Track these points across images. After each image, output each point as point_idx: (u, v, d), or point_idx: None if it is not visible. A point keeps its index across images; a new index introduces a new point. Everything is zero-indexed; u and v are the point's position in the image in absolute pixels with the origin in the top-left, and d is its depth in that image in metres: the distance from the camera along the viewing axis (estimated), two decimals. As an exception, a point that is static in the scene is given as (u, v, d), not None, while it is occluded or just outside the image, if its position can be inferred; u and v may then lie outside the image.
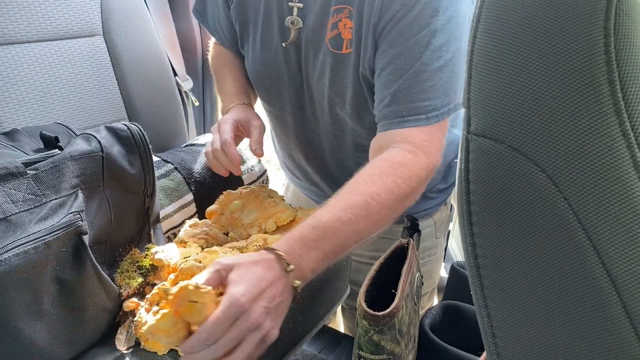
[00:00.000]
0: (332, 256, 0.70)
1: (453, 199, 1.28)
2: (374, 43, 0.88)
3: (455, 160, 1.11)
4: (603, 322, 0.38)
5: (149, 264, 0.85)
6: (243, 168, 1.19)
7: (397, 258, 0.81)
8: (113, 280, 0.81)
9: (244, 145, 1.17)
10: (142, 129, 0.85)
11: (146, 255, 0.86)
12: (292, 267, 0.65)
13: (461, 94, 0.46)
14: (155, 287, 0.81)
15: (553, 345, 0.41)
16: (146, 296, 0.81)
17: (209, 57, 1.17)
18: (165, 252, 0.83)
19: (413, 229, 0.85)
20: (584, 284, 0.38)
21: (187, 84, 1.29)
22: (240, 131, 0.99)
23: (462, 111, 0.44)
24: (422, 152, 0.82)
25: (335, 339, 1.44)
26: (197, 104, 1.31)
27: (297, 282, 0.66)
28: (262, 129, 0.98)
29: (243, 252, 0.88)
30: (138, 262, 0.86)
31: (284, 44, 0.99)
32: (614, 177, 0.36)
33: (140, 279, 0.84)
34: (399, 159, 0.80)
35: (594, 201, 0.37)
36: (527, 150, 0.39)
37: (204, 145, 1.19)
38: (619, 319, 0.37)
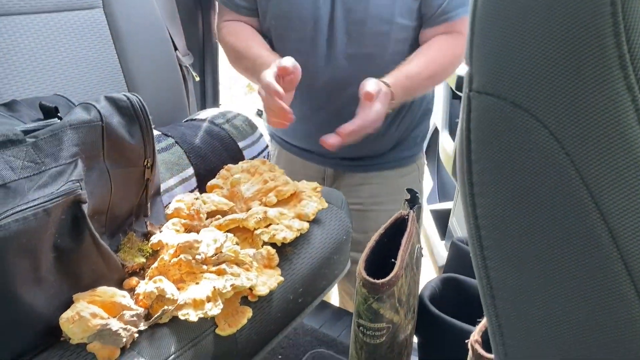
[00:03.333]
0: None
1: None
2: None
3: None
4: (603, 279, 0.38)
5: (150, 249, 0.85)
6: (244, 143, 1.19)
7: (397, 230, 0.81)
8: (116, 252, 0.81)
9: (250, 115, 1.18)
10: (142, 100, 0.85)
11: (143, 241, 0.86)
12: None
13: None
14: (155, 262, 0.81)
15: (553, 304, 0.41)
16: (147, 272, 0.81)
17: (221, 38, 1.16)
18: (163, 234, 0.84)
19: (413, 201, 0.85)
20: (584, 240, 0.37)
21: (188, 59, 1.28)
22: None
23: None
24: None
25: (335, 314, 1.45)
26: (197, 79, 1.30)
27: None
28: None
29: (243, 225, 0.88)
30: (138, 246, 0.86)
31: None
32: (617, 131, 0.36)
33: (143, 259, 0.85)
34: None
35: (596, 156, 0.37)
36: (529, 106, 0.39)
37: (204, 120, 1.19)
38: (620, 275, 0.37)
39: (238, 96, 4.15)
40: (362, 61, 1.14)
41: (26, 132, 0.72)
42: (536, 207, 0.39)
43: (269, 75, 0.97)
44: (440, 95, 1.65)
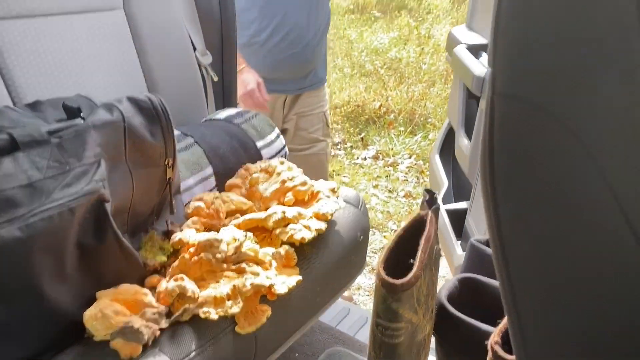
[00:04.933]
0: None
1: None
2: None
3: None
4: (630, 280, 0.38)
5: (171, 248, 0.87)
6: (262, 142, 1.20)
7: (416, 230, 0.81)
8: (137, 250, 0.83)
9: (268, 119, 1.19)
10: (162, 100, 0.86)
11: (164, 240, 0.87)
12: None
13: None
14: (176, 260, 0.82)
15: (577, 305, 0.41)
16: (168, 270, 0.82)
17: None
18: (184, 232, 0.85)
19: (432, 202, 0.85)
20: (609, 244, 0.37)
21: (206, 59, 1.29)
22: None
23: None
24: None
25: (352, 312, 1.45)
26: (216, 79, 1.31)
27: None
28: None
29: (262, 225, 0.89)
30: (159, 244, 0.87)
31: None
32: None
33: (164, 257, 0.86)
34: None
35: (621, 160, 0.37)
36: (552, 109, 0.39)
37: (223, 120, 1.20)
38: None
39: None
40: None
41: (51, 133, 0.74)
42: (560, 210, 0.39)
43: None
44: (456, 95, 1.65)
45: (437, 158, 1.92)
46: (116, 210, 0.80)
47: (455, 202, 1.71)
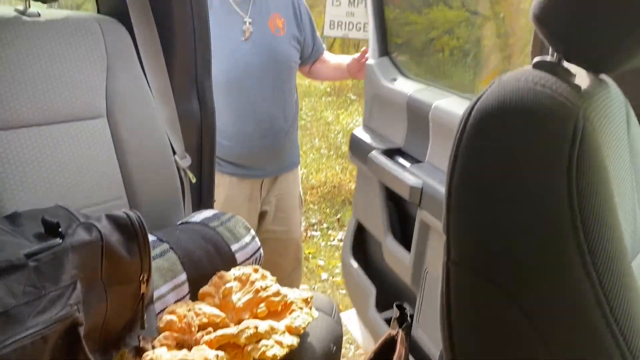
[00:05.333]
0: None
1: None
2: None
3: None
4: None
5: None
6: (237, 246, 1.22)
7: (387, 350, 0.83)
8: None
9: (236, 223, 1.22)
10: (140, 216, 0.88)
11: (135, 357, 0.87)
12: None
13: None
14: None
15: None
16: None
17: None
18: (156, 351, 0.85)
19: (402, 319, 0.88)
20: None
21: (185, 162, 1.33)
22: None
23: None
24: None
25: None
26: (194, 180, 1.35)
27: None
28: None
29: (234, 341, 0.90)
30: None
31: None
32: (582, 314, 0.39)
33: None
34: None
35: (564, 335, 0.40)
36: (503, 283, 0.42)
37: (199, 223, 1.22)
38: None
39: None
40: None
41: (29, 255, 0.75)
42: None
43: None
44: (371, 197, 1.70)
45: (353, 262, 1.85)
46: (89, 329, 0.80)
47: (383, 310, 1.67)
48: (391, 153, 1.58)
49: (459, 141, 0.44)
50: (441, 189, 1.29)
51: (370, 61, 1.80)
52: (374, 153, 1.59)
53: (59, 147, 1.10)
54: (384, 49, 1.80)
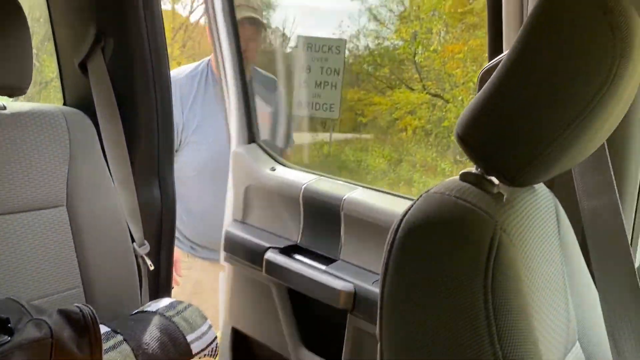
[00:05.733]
0: None
1: None
2: None
3: None
4: None
5: None
6: (193, 336, 1.21)
7: None
8: None
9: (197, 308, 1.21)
10: (94, 311, 0.89)
11: None
12: None
13: None
14: None
15: None
16: None
17: None
18: None
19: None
20: None
21: (144, 249, 1.34)
22: None
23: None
24: None
25: None
26: (152, 268, 1.35)
27: None
28: None
29: None
30: None
31: None
32: None
33: None
34: None
35: None
36: None
37: (154, 312, 1.22)
38: None
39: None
40: None
41: (-26, 354, 0.74)
42: None
43: None
44: None
45: None
46: None
47: None
48: (287, 251, 1.40)
49: (388, 253, 0.48)
50: (374, 290, 1.18)
51: (238, 149, 1.59)
52: (271, 254, 1.39)
53: (16, 237, 1.11)
54: (252, 136, 1.62)
